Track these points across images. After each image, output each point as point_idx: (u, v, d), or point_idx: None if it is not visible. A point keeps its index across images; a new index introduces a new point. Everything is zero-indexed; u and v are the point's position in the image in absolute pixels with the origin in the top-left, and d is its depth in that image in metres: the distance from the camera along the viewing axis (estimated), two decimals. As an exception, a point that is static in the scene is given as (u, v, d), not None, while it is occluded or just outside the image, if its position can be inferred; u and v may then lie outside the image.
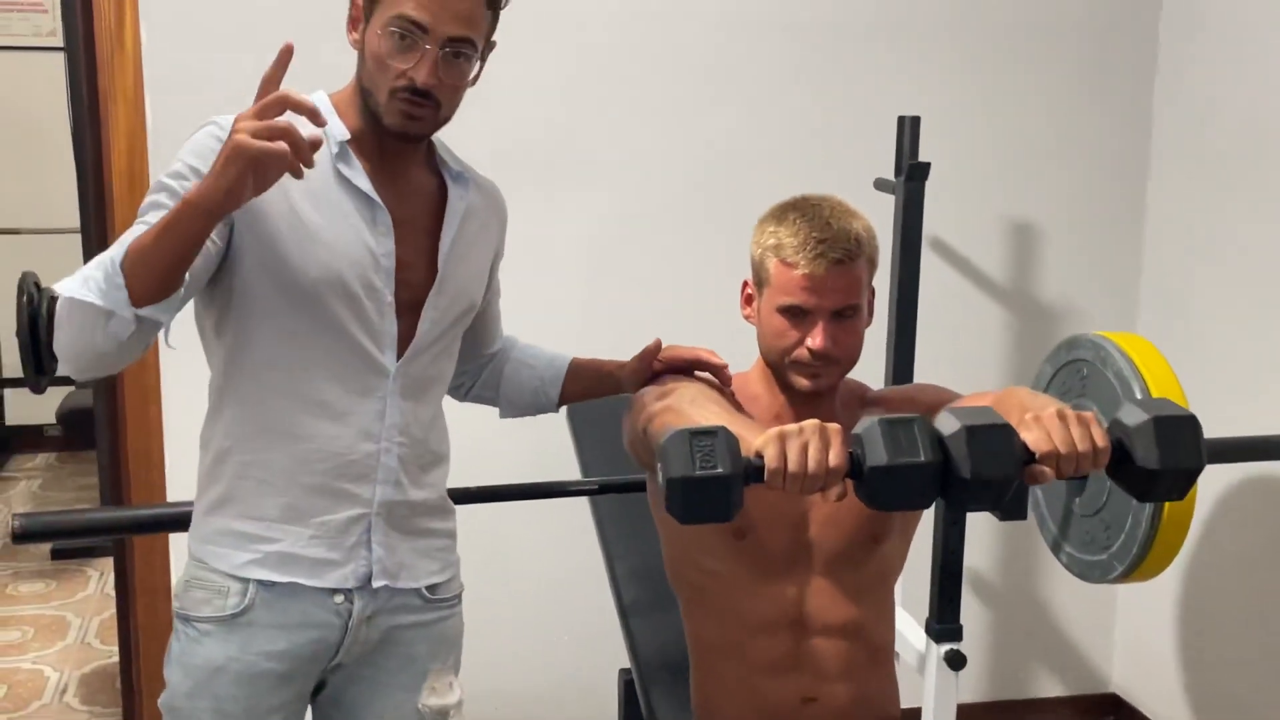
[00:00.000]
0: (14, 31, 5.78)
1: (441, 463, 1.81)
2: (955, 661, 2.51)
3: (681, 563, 1.85)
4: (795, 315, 1.71)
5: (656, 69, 2.96)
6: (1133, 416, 1.41)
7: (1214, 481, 2.95)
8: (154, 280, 1.43)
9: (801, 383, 1.74)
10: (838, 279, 1.69)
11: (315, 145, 1.40)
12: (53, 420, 5.61)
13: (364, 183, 1.64)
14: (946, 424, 1.36)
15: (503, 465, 2.37)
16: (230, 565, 1.65)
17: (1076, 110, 3.20)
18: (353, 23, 1.63)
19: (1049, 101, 3.18)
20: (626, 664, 2.25)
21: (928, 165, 2.67)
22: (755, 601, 1.78)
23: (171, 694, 1.68)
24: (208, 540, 1.68)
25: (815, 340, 1.69)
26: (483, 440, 2.19)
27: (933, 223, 2.87)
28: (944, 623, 2.57)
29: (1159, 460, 1.39)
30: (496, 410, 2.01)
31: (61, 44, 4.90)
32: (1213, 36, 3.04)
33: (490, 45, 1.66)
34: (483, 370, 1.97)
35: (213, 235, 1.49)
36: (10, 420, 5.69)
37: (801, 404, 1.77)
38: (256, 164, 1.36)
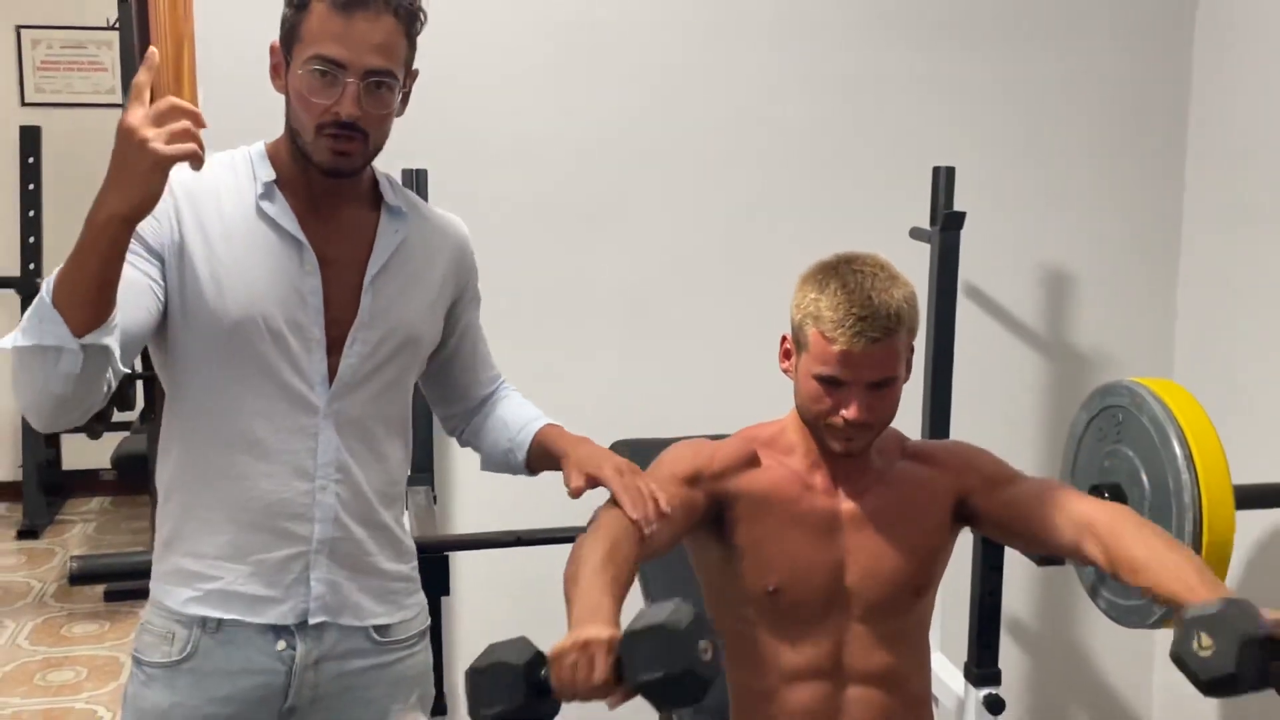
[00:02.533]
0: (75, 89, 5.96)
1: (394, 504, 1.79)
2: (994, 706, 2.51)
3: (721, 611, 1.84)
4: (831, 384, 1.71)
5: (696, 119, 3.01)
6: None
7: (1250, 527, 2.94)
8: (88, 303, 1.42)
9: (835, 446, 1.76)
10: (874, 355, 1.68)
11: (198, 159, 1.41)
12: (108, 465, 5.71)
13: (288, 221, 1.65)
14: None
15: (547, 509, 2.40)
16: (176, 602, 1.68)
17: (1111, 158, 3.23)
18: (275, 69, 1.65)
19: (1083, 150, 3.21)
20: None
21: (962, 215, 2.70)
22: (792, 650, 1.79)
23: None
24: (160, 579, 1.72)
25: (850, 411, 1.70)
26: (526, 485, 2.23)
27: (968, 270, 2.90)
28: (983, 667, 2.57)
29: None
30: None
31: (120, 101, 5.02)
32: (1244, 86, 3.07)
33: (412, 74, 1.66)
34: (471, 417, 1.93)
35: (154, 280, 1.56)
36: (67, 465, 5.79)
37: (836, 455, 1.79)
38: (168, 167, 1.38)
